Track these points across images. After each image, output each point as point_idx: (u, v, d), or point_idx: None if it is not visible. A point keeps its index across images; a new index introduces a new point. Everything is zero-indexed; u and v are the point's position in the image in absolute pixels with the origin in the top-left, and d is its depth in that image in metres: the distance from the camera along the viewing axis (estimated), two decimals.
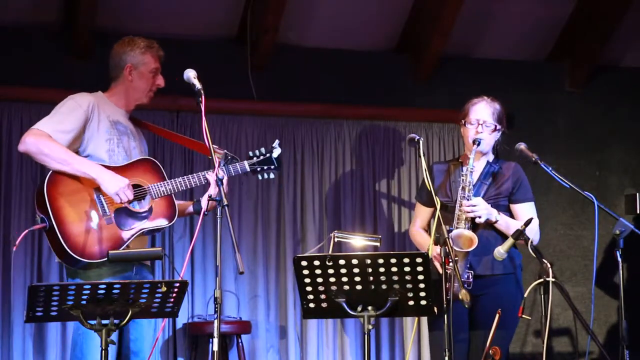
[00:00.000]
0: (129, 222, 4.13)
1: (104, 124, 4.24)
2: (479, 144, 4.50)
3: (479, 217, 4.42)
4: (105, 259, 3.98)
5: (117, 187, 4.07)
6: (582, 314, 4.21)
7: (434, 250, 4.41)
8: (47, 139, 4.07)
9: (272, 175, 4.48)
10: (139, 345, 4.22)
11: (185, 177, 4.28)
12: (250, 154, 4.48)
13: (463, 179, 4.47)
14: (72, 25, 5.89)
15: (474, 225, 4.45)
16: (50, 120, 4.17)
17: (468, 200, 4.44)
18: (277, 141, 4.49)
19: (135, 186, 4.16)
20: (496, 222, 4.48)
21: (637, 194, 6.82)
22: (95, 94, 4.34)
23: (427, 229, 4.78)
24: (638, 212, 6.77)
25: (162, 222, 4.22)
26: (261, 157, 4.44)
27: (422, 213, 4.76)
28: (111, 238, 4.07)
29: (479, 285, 4.42)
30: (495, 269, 4.48)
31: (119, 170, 4.16)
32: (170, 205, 4.25)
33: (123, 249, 4.09)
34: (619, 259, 4.36)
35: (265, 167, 4.45)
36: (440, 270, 4.20)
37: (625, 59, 7.05)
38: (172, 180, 4.25)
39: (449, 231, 4.30)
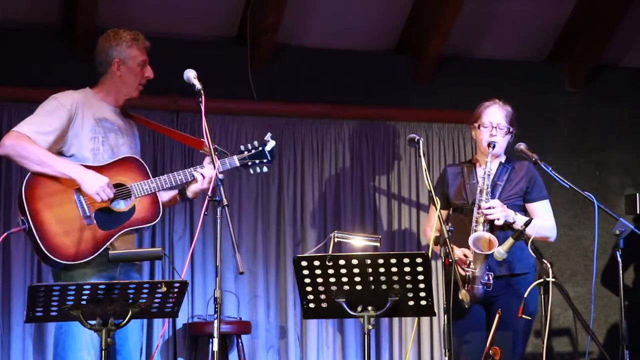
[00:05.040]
0: (110, 222, 4.06)
1: (88, 122, 4.14)
2: (494, 147, 4.54)
3: (497, 219, 4.45)
4: (84, 260, 3.95)
5: (96, 186, 3.98)
6: (582, 314, 4.21)
7: (461, 253, 4.43)
8: (25, 141, 3.99)
9: (265, 169, 4.36)
10: (125, 346, 4.16)
11: (169, 174, 4.19)
12: (242, 147, 4.38)
13: (481, 182, 4.51)
14: (72, 25, 5.89)
15: (491, 227, 4.48)
16: (31, 121, 4.07)
17: (486, 202, 4.48)
18: (269, 134, 4.40)
19: (118, 185, 4.09)
20: (514, 222, 4.50)
21: (637, 194, 6.82)
22: (83, 91, 4.26)
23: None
24: (638, 212, 6.77)
25: (145, 221, 4.14)
26: (253, 151, 4.34)
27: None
28: (91, 239, 4.00)
29: (497, 287, 4.45)
30: (512, 269, 4.51)
31: (100, 169, 4.07)
32: (154, 204, 4.16)
33: (123, 250, 4.07)
34: (619, 259, 4.36)
35: (257, 161, 4.35)
36: (463, 273, 4.23)
37: (625, 59, 7.06)
38: (157, 178, 4.15)
39: (450, 231, 4.30)
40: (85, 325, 3.49)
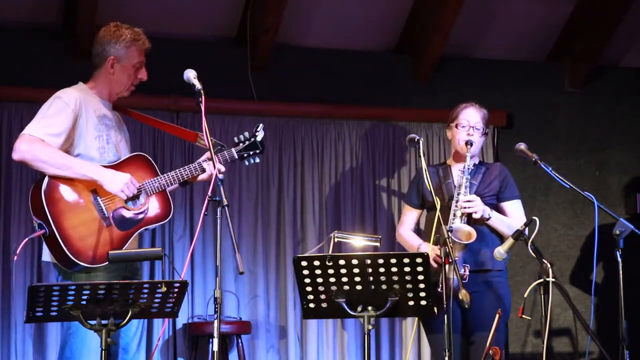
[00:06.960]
0: (127, 222, 4.05)
1: (92, 120, 4.09)
2: (471, 145, 4.60)
3: (476, 212, 4.50)
4: (107, 262, 3.91)
5: (121, 183, 3.98)
6: (582, 314, 4.21)
7: (433, 251, 4.44)
8: (40, 145, 3.94)
9: (257, 160, 4.39)
10: (125, 339, 4.17)
11: (177, 170, 4.19)
12: (236, 139, 4.38)
13: (459, 177, 4.57)
14: (72, 25, 5.89)
15: (468, 221, 4.52)
16: (40, 123, 4.00)
17: (465, 195, 4.52)
18: (260, 125, 4.41)
19: None
20: (489, 218, 4.57)
21: (637, 194, 6.82)
22: (79, 87, 4.20)
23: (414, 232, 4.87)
24: (638, 212, 6.77)
25: (158, 219, 4.14)
26: (247, 143, 4.35)
27: (411, 216, 4.85)
28: (112, 240, 3.99)
29: (472, 281, 4.46)
30: (487, 265, 4.56)
31: (113, 168, 4.06)
32: (165, 201, 4.16)
33: (123, 250, 4.06)
34: (619, 259, 4.36)
35: (251, 152, 4.36)
36: (436, 266, 4.23)
37: (625, 59, 7.06)
38: (165, 174, 4.15)
39: (449, 231, 4.31)
40: (85, 326, 3.49)
